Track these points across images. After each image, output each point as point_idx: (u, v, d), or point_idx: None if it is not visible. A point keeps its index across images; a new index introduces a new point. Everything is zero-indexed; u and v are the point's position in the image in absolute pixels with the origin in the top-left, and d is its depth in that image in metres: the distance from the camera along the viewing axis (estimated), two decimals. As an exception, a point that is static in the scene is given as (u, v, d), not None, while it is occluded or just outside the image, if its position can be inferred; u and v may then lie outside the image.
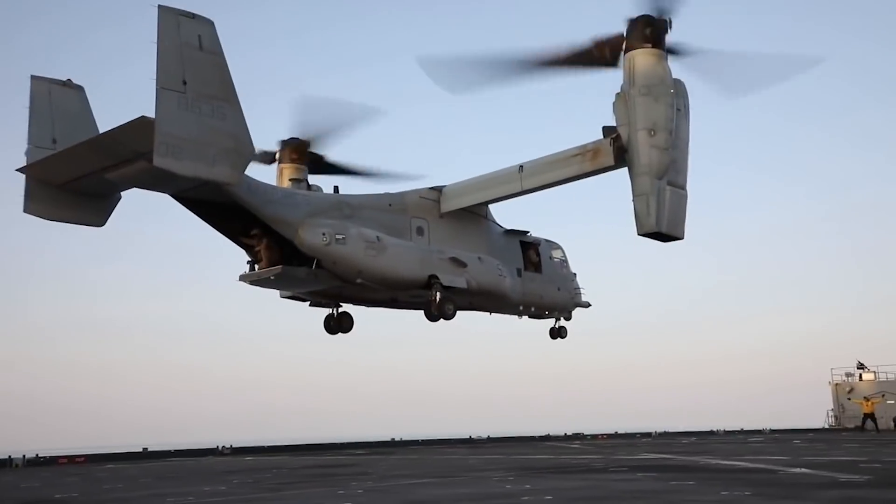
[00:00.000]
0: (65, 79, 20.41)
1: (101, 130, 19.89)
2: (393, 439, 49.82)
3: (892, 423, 62.40)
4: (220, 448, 41.93)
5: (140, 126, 16.80)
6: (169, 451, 41.89)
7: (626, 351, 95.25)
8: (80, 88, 20.61)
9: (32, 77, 19.92)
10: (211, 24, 17.25)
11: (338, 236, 21.05)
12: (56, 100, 20.04)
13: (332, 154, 25.94)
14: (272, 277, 21.19)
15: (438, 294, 22.40)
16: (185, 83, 16.70)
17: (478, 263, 23.59)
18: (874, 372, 69.31)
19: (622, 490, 15.72)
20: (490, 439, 51.72)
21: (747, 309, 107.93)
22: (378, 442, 48.53)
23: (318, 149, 25.79)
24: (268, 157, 25.66)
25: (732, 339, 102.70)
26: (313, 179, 26.00)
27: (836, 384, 70.39)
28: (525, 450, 36.96)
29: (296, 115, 25.40)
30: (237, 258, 22.60)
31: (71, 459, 36.41)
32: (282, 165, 25.78)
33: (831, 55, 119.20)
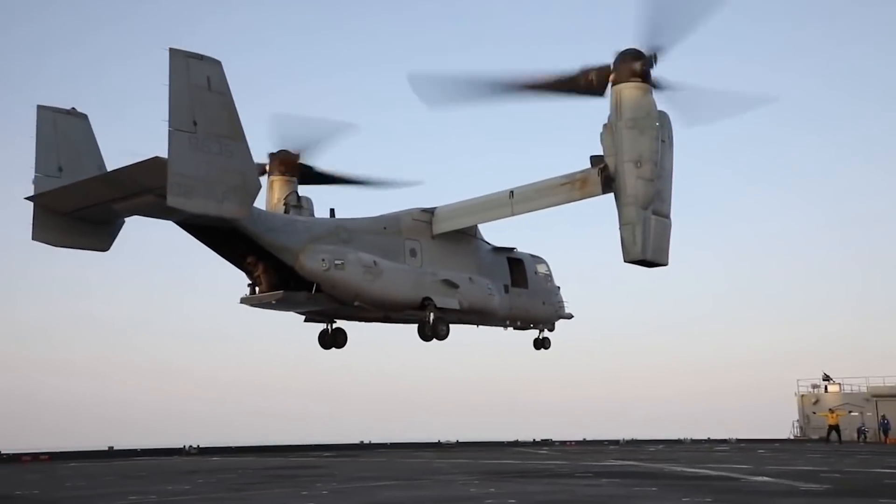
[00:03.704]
0: (69, 107, 20.76)
1: (105, 157, 20.71)
2: (361, 442, 49.71)
3: (855, 435, 63.30)
4: (186, 448, 41.64)
5: (153, 166, 17.36)
6: (135, 450, 41.50)
7: (601, 362, 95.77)
8: (84, 117, 21.00)
9: (39, 107, 20.29)
10: (219, 64, 17.85)
11: (336, 262, 21.72)
12: (61, 128, 20.44)
13: (322, 164, 26.31)
14: (273, 302, 21.79)
15: (432, 315, 23.02)
16: (195, 123, 17.29)
17: (469, 284, 24.30)
18: (839, 384, 70.23)
19: (585, 495, 15.85)
20: (458, 444, 51.75)
21: (726, 320, 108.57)
22: (346, 445, 48.41)
23: (306, 160, 26.13)
24: (258, 169, 25.95)
25: (707, 350, 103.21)
26: (305, 190, 26.32)
27: (802, 395, 71.24)
28: (493, 454, 37.04)
29: (275, 130, 25.68)
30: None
31: (35, 457, 35.97)
32: (272, 178, 26.18)
33: (838, 66, 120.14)
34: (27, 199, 19.73)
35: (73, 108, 20.86)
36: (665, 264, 21.30)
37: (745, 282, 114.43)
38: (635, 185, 20.51)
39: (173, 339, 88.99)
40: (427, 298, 23.22)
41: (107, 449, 40.75)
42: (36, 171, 19.94)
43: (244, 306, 22.64)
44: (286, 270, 21.78)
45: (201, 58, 17.51)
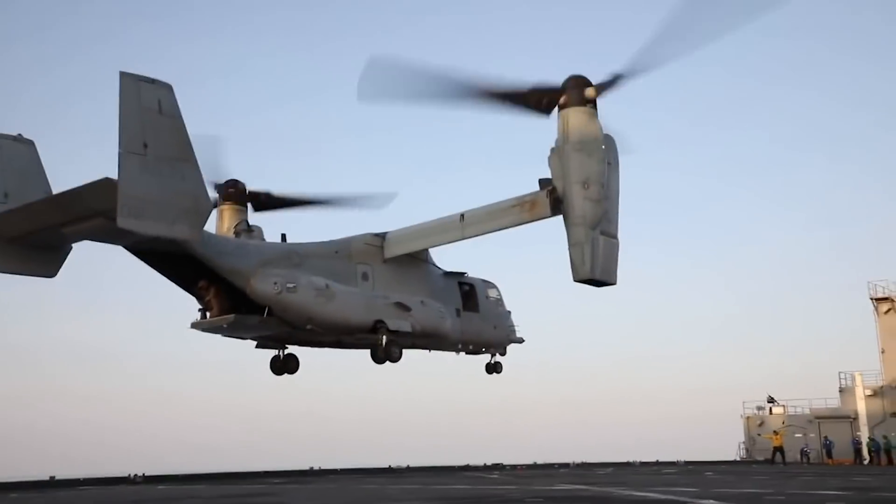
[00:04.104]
0: (15, 133, 20.56)
1: (52, 183, 20.45)
2: (311, 468, 49.20)
3: (798, 456, 64.60)
4: (132, 476, 40.77)
5: (103, 187, 17.17)
6: (78, 479, 40.47)
7: (553, 387, 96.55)
8: (30, 143, 20.79)
9: None
10: (169, 88, 17.81)
11: (288, 285, 21.70)
12: (6, 154, 20.24)
13: (276, 189, 26.24)
14: (225, 326, 21.66)
15: (385, 338, 23.07)
16: (145, 146, 17.17)
17: (421, 307, 24.41)
18: (784, 406, 71.67)
19: (536, 521, 15.95)
20: (409, 469, 51.55)
21: (675, 343, 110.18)
22: (296, 471, 47.85)
23: (256, 186, 26.11)
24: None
25: (656, 374, 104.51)
26: (261, 217, 26.22)
27: (748, 417, 72.49)
28: (444, 479, 36.97)
29: None
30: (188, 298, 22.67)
31: (-28, 488, 34.86)
32: (222, 207, 26.11)
33: (846, 85, 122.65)
34: None
35: (20, 135, 20.63)
36: (613, 283, 21.73)
37: (696, 308, 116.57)
38: (583, 206, 21.01)
39: (117, 365, 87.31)
40: (379, 321, 23.31)
41: (48, 479, 39.68)
42: None
43: (193, 332, 22.44)
44: (237, 294, 21.67)
45: (152, 81, 17.49)
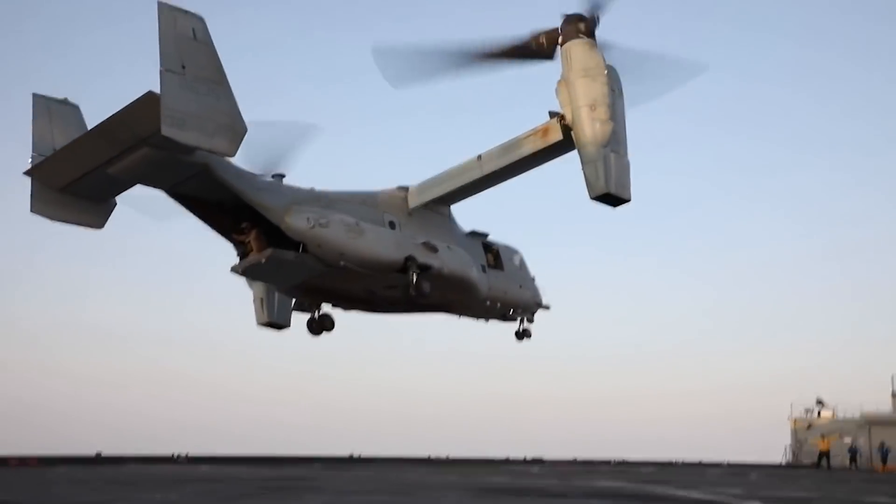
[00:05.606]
0: (62, 97, 22.07)
1: None
2: (351, 455, 49.51)
3: (846, 461, 63.15)
4: (175, 456, 41.44)
5: (146, 102, 18.10)
6: (124, 456, 41.26)
7: (594, 382, 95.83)
8: (76, 106, 22.21)
9: (34, 95, 21.56)
10: (202, 19, 19.18)
11: (321, 221, 22.61)
12: (55, 116, 21.81)
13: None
14: (263, 261, 22.54)
15: (415, 275, 23.67)
16: (183, 67, 18.43)
17: (447, 251, 25.03)
18: (833, 409, 70.15)
19: (576, 515, 15.75)
20: (449, 460, 51.57)
21: (722, 344, 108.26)
22: (336, 458, 48.19)
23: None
24: None
25: (702, 374, 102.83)
26: None
27: (795, 420, 71.10)
28: (483, 472, 36.89)
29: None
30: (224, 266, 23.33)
31: (22, 461, 35.74)
32: None
33: (837, 88, 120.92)
34: (25, 173, 20.57)
35: (66, 98, 22.09)
36: (629, 200, 22.37)
37: (741, 307, 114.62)
38: (592, 126, 21.91)
39: (167, 345, 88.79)
40: (409, 258, 23.89)
41: (94, 455, 40.49)
42: (33, 152, 20.97)
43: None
44: (273, 234, 22.41)
45: (186, 12, 18.91)
